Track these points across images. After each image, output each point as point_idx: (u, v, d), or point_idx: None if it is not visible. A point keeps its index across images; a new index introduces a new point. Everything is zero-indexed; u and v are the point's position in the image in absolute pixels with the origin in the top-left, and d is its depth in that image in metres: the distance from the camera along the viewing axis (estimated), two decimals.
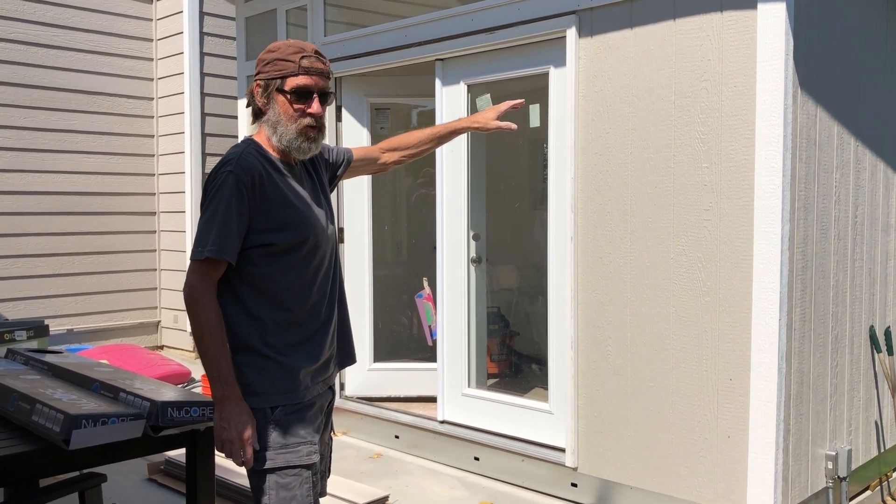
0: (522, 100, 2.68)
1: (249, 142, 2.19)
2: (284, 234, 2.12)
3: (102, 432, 1.99)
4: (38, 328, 5.66)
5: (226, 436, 2.03)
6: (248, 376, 2.09)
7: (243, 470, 4.24)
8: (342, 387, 5.26)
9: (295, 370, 2.14)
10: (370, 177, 5.30)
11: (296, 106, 2.15)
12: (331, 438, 2.41)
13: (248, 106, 2.25)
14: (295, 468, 2.11)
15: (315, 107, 2.16)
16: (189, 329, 7.40)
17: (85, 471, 2.80)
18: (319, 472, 2.24)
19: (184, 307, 8.19)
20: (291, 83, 2.14)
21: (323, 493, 2.33)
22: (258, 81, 2.18)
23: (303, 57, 2.15)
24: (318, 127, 2.18)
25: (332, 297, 2.28)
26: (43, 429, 1.99)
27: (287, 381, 2.13)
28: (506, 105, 2.63)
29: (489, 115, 2.60)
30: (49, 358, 2.67)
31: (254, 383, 2.10)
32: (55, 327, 7.06)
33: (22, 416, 2.09)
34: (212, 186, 2.09)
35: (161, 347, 7.87)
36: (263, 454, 2.08)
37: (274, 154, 2.19)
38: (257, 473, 2.10)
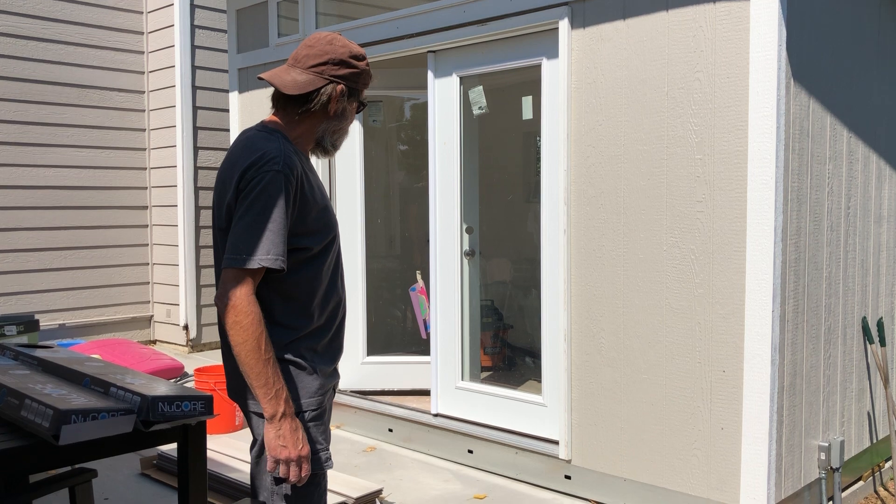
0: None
1: (279, 134, 2.05)
2: (317, 236, 2.05)
3: (92, 427, 1.97)
4: (28, 323, 5.63)
5: (285, 455, 1.92)
6: None
7: (236, 464, 4.21)
8: (336, 385, 5.26)
9: (318, 374, 2.09)
10: (362, 170, 5.28)
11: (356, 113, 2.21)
12: None
13: (294, 93, 2.04)
14: (313, 476, 2.06)
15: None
16: (182, 323, 7.44)
17: (76, 466, 2.78)
18: None
19: (176, 301, 8.10)
20: (363, 95, 2.20)
21: None
22: (342, 87, 2.08)
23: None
24: None
25: (345, 297, 2.24)
26: (32, 424, 1.97)
27: (312, 387, 2.07)
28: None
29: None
30: (39, 353, 2.65)
31: None
32: (47, 322, 7.04)
33: (11, 412, 2.08)
34: (252, 186, 1.93)
35: (154, 342, 7.85)
36: None
37: (297, 147, 2.11)
38: (275, 480, 2.03)
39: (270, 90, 2.24)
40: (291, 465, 1.94)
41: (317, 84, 2.06)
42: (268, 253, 1.92)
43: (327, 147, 2.16)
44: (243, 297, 1.91)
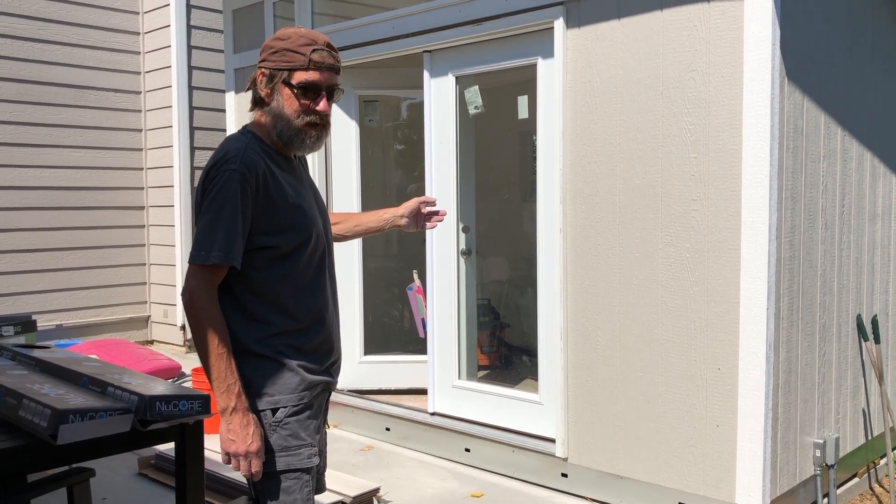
0: (434, 198, 2.63)
1: (250, 135, 2.08)
2: (287, 235, 2.05)
3: (90, 427, 1.97)
4: (25, 323, 5.64)
5: (234, 449, 1.97)
6: (249, 377, 2.04)
7: None
8: (333, 385, 5.26)
9: (298, 371, 2.09)
10: (359, 169, 5.29)
11: (302, 101, 2.05)
12: (325, 433, 2.39)
13: (247, 90, 2.15)
14: (295, 472, 2.07)
15: (322, 104, 2.07)
16: (179, 323, 7.44)
17: (74, 465, 2.79)
18: (317, 469, 2.22)
19: (173, 302, 8.11)
20: (299, 77, 2.04)
21: (322, 488, 2.31)
22: (262, 70, 2.07)
23: (314, 50, 2.03)
24: (322, 125, 2.10)
25: (334, 300, 2.23)
26: (30, 424, 1.98)
27: (291, 383, 2.08)
28: (415, 202, 2.54)
29: (400, 211, 2.53)
30: (37, 353, 2.65)
31: (256, 384, 2.05)
32: (44, 323, 7.04)
33: (9, 412, 2.08)
34: (213, 185, 1.97)
35: (151, 342, 7.85)
36: (264, 457, 2.04)
37: (273, 147, 2.11)
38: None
39: None
40: (241, 460, 1.98)
41: (252, 77, 2.13)
42: (220, 249, 1.96)
43: (283, 140, 2.10)
44: (200, 291, 1.97)
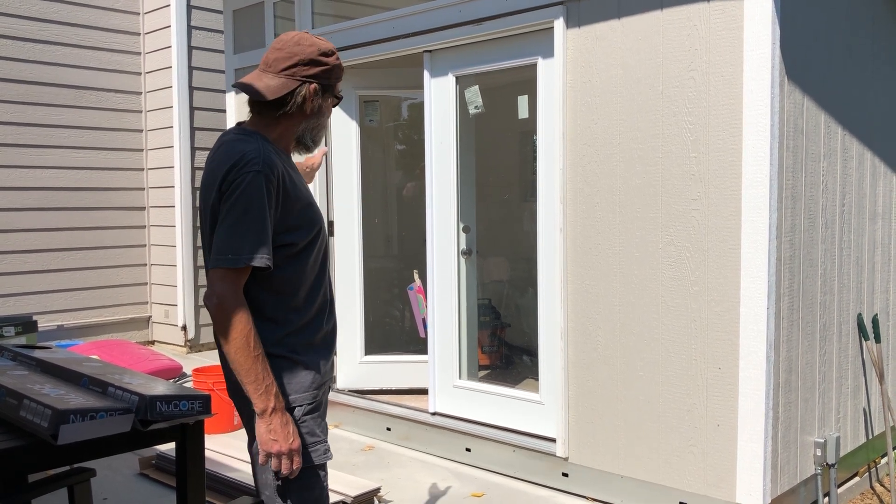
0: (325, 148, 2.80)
1: (258, 136, 2.09)
2: (301, 232, 2.08)
3: (91, 427, 1.97)
4: (26, 324, 5.65)
5: (276, 449, 1.98)
6: None
7: (234, 464, 4.21)
8: (334, 380, 5.27)
9: (311, 369, 2.12)
10: (359, 170, 5.29)
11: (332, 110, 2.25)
12: None
13: (291, 102, 2.11)
14: (313, 468, 2.10)
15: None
16: (180, 324, 7.44)
17: (74, 466, 2.79)
18: None
19: (174, 302, 8.09)
20: (338, 89, 2.24)
21: None
22: (316, 86, 2.11)
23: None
24: None
25: (333, 293, 2.27)
26: (31, 424, 1.98)
27: (305, 381, 2.10)
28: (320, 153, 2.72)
29: (313, 163, 2.72)
30: (38, 354, 2.65)
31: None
32: (45, 323, 7.04)
33: (9, 412, 2.08)
34: (234, 187, 1.96)
35: (152, 342, 7.85)
36: None
37: (278, 147, 2.15)
38: (275, 475, 2.07)
39: None
40: (283, 459, 2.00)
41: (290, 86, 2.09)
42: (252, 252, 1.96)
43: (308, 144, 2.22)
44: (230, 295, 1.96)
